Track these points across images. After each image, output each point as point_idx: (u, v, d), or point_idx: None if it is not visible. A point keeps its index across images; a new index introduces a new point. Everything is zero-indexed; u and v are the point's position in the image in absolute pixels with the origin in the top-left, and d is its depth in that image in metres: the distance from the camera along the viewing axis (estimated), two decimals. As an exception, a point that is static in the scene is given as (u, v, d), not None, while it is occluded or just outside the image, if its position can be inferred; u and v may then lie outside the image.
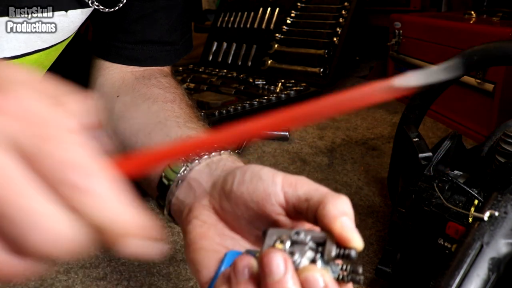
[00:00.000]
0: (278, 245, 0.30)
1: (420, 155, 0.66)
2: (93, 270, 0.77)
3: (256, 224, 0.35)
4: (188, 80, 1.79)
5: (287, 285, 0.28)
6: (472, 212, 0.54)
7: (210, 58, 2.02)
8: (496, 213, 0.52)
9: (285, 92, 1.52)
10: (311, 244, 0.30)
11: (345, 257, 0.29)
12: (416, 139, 0.70)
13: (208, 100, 1.51)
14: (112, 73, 0.64)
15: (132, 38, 0.63)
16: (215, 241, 0.36)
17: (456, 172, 0.68)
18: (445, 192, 0.61)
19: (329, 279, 0.29)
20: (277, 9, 1.87)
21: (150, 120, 0.53)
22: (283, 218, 0.34)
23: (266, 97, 1.48)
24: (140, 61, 0.64)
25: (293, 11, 1.83)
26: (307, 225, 0.34)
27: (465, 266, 0.49)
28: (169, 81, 0.62)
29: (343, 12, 1.68)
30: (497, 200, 0.53)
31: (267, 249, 0.30)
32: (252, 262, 0.30)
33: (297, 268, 0.29)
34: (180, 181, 0.43)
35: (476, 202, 0.57)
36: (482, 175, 0.65)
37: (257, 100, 1.47)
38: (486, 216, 0.52)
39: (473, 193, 0.58)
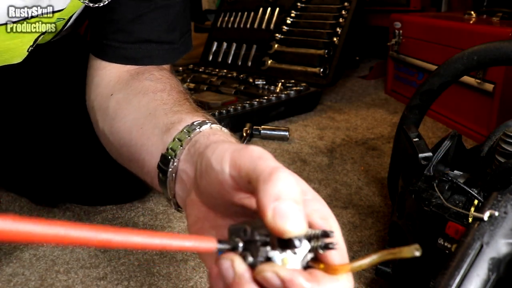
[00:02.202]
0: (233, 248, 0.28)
1: (420, 155, 0.66)
2: (93, 270, 0.77)
3: (233, 209, 0.34)
4: (188, 80, 1.80)
5: (240, 287, 0.27)
6: (472, 212, 0.54)
7: (210, 58, 2.02)
8: (496, 213, 0.52)
9: (285, 92, 1.52)
10: (261, 238, 0.28)
11: (290, 247, 0.27)
12: (416, 139, 0.70)
13: (208, 100, 1.51)
14: (108, 72, 0.64)
15: (129, 38, 0.63)
16: (211, 234, 0.35)
17: (456, 172, 0.68)
18: (445, 192, 0.61)
19: (285, 273, 0.26)
20: (277, 9, 1.87)
21: (141, 114, 0.53)
22: (247, 200, 0.33)
23: (266, 97, 1.49)
24: (137, 60, 0.64)
25: (293, 11, 1.83)
26: None
27: (465, 266, 0.49)
28: (162, 74, 0.62)
29: (343, 12, 1.68)
30: (497, 200, 0.53)
31: (219, 256, 0.29)
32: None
33: (254, 268, 0.28)
34: (174, 175, 0.42)
35: (476, 202, 0.57)
36: (482, 175, 0.65)
37: (257, 100, 1.47)
38: (486, 216, 0.52)
39: (473, 193, 0.58)
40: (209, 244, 0.27)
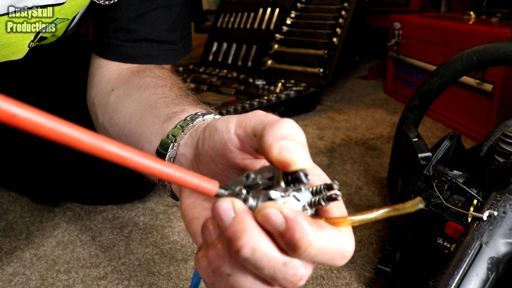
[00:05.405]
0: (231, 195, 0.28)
1: (420, 155, 0.66)
2: (94, 269, 0.77)
3: (233, 176, 0.35)
4: (188, 81, 1.80)
5: (242, 226, 0.26)
6: (471, 212, 0.54)
7: (210, 58, 2.02)
8: (495, 213, 0.52)
9: (285, 92, 1.53)
10: (263, 182, 0.28)
11: (296, 182, 0.27)
12: (415, 139, 0.70)
13: (208, 101, 1.52)
14: (109, 70, 0.65)
15: (130, 36, 0.64)
16: (204, 207, 0.36)
17: (455, 172, 0.69)
18: (444, 192, 0.61)
19: (289, 211, 0.26)
20: (277, 9, 1.88)
21: (141, 106, 0.53)
22: (248, 162, 0.33)
23: (266, 97, 1.49)
24: (138, 58, 0.65)
25: (293, 12, 1.83)
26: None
27: (464, 266, 0.49)
28: (163, 72, 0.63)
29: (343, 13, 1.68)
30: (496, 200, 0.53)
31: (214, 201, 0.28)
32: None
33: (254, 211, 0.27)
34: (172, 160, 0.43)
35: (475, 202, 0.57)
36: (481, 175, 0.65)
37: (257, 100, 1.47)
38: (485, 216, 0.52)
39: (472, 193, 0.58)
40: (211, 186, 0.27)
